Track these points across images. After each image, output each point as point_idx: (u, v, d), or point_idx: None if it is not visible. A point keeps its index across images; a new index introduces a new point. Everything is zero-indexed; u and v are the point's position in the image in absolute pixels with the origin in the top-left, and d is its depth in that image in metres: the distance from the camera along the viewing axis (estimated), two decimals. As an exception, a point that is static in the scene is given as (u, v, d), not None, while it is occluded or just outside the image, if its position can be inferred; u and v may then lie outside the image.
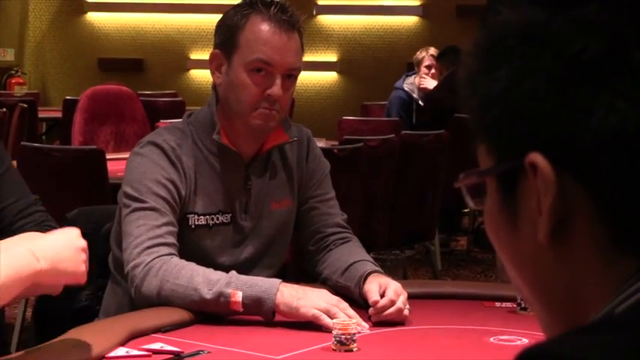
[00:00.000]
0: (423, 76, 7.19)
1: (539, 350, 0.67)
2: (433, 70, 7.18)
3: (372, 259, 2.38)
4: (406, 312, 2.18)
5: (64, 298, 2.13)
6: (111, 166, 4.06)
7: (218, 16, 2.44)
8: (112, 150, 5.83)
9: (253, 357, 1.90)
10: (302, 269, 2.63)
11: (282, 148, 2.46)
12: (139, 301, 2.20)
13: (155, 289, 2.17)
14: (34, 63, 10.77)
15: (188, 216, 2.34)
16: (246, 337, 2.04)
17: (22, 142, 4.30)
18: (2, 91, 9.48)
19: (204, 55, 9.77)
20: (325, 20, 10.34)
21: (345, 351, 1.94)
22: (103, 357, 1.84)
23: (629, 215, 0.71)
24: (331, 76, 10.41)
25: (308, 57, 10.28)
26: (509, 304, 2.32)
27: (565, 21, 0.73)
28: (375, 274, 2.28)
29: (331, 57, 10.35)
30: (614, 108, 0.70)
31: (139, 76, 10.44)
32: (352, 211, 3.64)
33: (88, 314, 2.47)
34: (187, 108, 7.06)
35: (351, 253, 2.40)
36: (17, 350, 2.20)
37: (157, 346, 1.92)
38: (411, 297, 2.23)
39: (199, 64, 10.28)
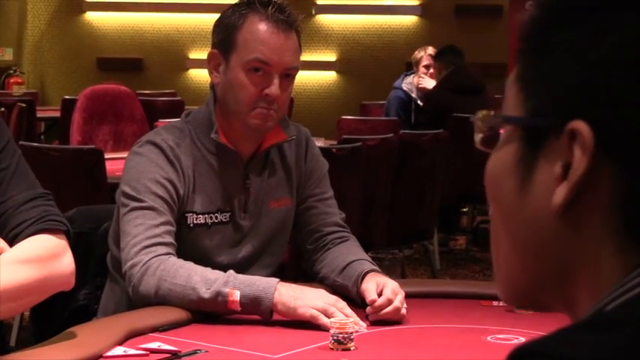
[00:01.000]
0: (422, 75, 7.19)
1: (531, 348, 0.67)
2: (432, 70, 7.18)
3: (369, 259, 2.38)
4: (403, 311, 2.18)
5: (62, 298, 2.13)
6: (109, 166, 4.06)
7: (217, 16, 2.44)
8: (110, 149, 5.84)
9: (251, 356, 1.91)
10: (300, 268, 2.63)
11: (280, 147, 2.46)
12: (136, 301, 2.20)
13: (153, 289, 2.17)
14: (32, 62, 10.77)
15: (187, 215, 2.34)
16: (243, 337, 2.04)
17: (21, 142, 4.30)
18: (1, 91, 9.48)
19: (203, 54, 9.78)
20: (324, 20, 10.34)
21: (343, 350, 1.94)
22: (101, 356, 1.84)
23: None
24: (330, 76, 10.42)
25: (307, 56, 10.25)
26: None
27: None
28: (373, 273, 2.28)
29: (330, 56, 10.36)
30: None
31: (138, 76, 10.44)
32: (351, 211, 3.65)
33: (86, 313, 2.47)
34: (186, 107, 7.06)
35: (349, 252, 2.40)
36: (16, 350, 2.20)
37: (154, 345, 1.92)
38: (408, 296, 2.23)
39: (198, 64, 10.29)
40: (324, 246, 2.46)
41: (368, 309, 2.18)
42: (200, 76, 10.30)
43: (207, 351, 1.92)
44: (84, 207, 2.64)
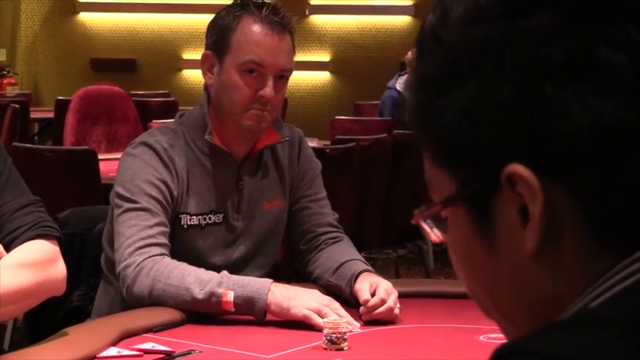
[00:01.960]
0: None
1: (515, 347, 0.67)
2: None
3: (363, 259, 2.39)
4: (397, 311, 2.19)
5: (56, 299, 2.14)
6: (103, 167, 4.06)
7: (211, 17, 2.44)
8: (104, 150, 5.83)
9: (244, 356, 1.91)
10: (294, 269, 2.64)
11: (273, 148, 2.46)
12: (130, 301, 2.21)
13: (147, 289, 2.17)
14: (26, 63, 10.76)
15: (180, 216, 2.34)
16: (237, 337, 2.04)
17: (14, 143, 4.31)
18: (-6, 92, 9.47)
19: (196, 55, 9.74)
20: (318, 20, 10.35)
21: (336, 350, 1.95)
22: (95, 357, 1.85)
23: (613, 212, 0.71)
24: (324, 76, 10.42)
25: (301, 57, 10.25)
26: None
27: (523, 31, 0.73)
28: (366, 273, 2.29)
29: (324, 57, 10.36)
30: (588, 105, 0.71)
31: (132, 76, 10.44)
32: (345, 211, 3.65)
33: (80, 314, 2.47)
34: (180, 108, 7.06)
35: (342, 253, 2.41)
36: (9, 351, 2.21)
37: (148, 345, 1.92)
38: (401, 296, 2.24)
39: (192, 65, 10.28)
40: (318, 246, 2.46)
41: (361, 309, 2.19)
42: (194, 76, 10.29)
43: (201, 351, 1.93)
44: (77, 208, 2.65)
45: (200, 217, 2.36)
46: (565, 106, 0.71)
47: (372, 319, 2.17)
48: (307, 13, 10.19)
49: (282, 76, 2.36)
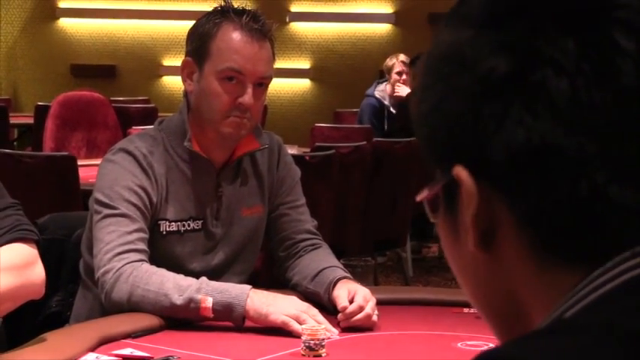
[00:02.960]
0: (399, 84, 7.21)
1: (495, 355, 0.68)
2: (404, 77, 7.21)
3: (341, 266, 2.39)
4: (375, 318, 2.20)
5: (34, 305, 2.13)
6: (82, 173, 4.06)
7: (191, 24, 2.45)
8: (83, 156, 5.82)
9: (223, 362, 1.92)
10: (272, 275, 2.64)
11: (253, 155, 2.47)
12: (109, 307, 2.21)
13: (125, 295, 2.18)
14: (5, 68, 10.72)
15: (159, 222, 2.35)
16: (215, 343, 2.05)
17: (-7, 148, 4.29)
18: (-27, 97, 9.43)
19: (177, 61, 9.76)
20: (298, 27, 10.36)
21: (314, 356, 1.95)
22: (73, 362, 1.85)
23: (545, 224, 0.74)
24: (304, 83, 10.43)
25: (281, 64, 10.22)
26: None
27: (482, 41, 0.76)
28: (345, 280, 2.30)
29: (304, 64, 10.37)
30: (522, 122, 0.73)
31: (112, 83, 10.42)
32: (324, 218, 3.66)
33: (58, 320, 2.47)
34: (160, 114, 7.05)
35: (321, 260, 2.42)
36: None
37: (126, 351, 1.92)
38: (379, 303, 2.25)
39: (172, 71, 10.26)
40: (296, 253, 2.47)
41: (339, 316, 2.19)
42: (174, 83, 10.29)
43: (179, 357, 1.93)
44: (57, 214, 2.64)
45: (179, 223, 2.37)
46: (502, 121, 0.74)
47: (350, 326, 2.18)
48: (287, 20, 10.21)
49: (262, 84, 2.36)
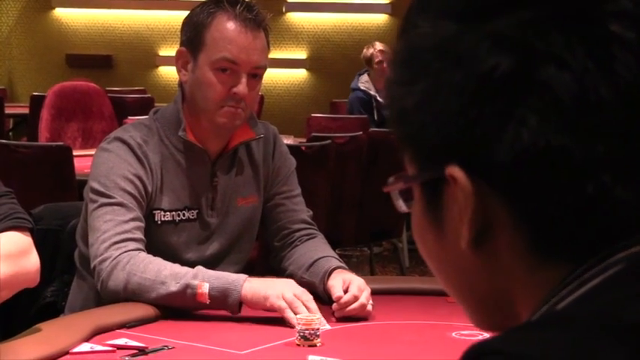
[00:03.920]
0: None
1: (487, 347, 0.68)
2: (385, 64, 7.18)
3: (336, 256, 2.39)
4: (369, 307, 2.20)
5: (29, 295, 2.13)
6: (78, 163, 4.05)
7: (187, 13, 2.44)
8: (79, 147, 5.81)
9: (217, 352, 1.92)
10: (268, 265, 2.65)
11: (248, 144, 2.47)
12: (105, 296, 2.21)
13: (122, 283, 2.18)
14: (0, 59, 10.70)
15: (154, 212, 2.35)
16: (210, 333, 2.05)
17: (-11, 139, 4.29)
18: (-31, 87, 9.41)
19: (172, 52, 9.66)
20: (295, 18, 10.34)
21: (309, 346, 1.96)
22: (68, 352, 1.85)
23: (546, 224, 0.73)
24: (300, 74, 10.42)
25: (277, 54, 10.20)
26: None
27: (476, 37, 0.73)
28: (340, 269, 2.30)
29: (300, 54, 10.36)
30: (526, 123, 0.71)
31: (108, 73, 10.40)
32: (320, 208, 3.66)
33: (53, 310, 2.47)
34: (156, 104, 7.02)
35: (316, 249, 2.42)
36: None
37: (121, 341, 1.93)
38: (374, 293, 2.25)
39: (168, 61, 10.23)
40: (292, 243, 2.47)
41: (334, 305, 2.20)
42: (170, 73, 10.26)
43: (174, 347, 1.93)
44: (52, 204, 2.64)
45: (174, 213, 2.37)
46: (504, 121, 0.71)
47: (345, 316, 2.18)
48: (284, 10, 10.19)
49: (256, 74, 2.36)
